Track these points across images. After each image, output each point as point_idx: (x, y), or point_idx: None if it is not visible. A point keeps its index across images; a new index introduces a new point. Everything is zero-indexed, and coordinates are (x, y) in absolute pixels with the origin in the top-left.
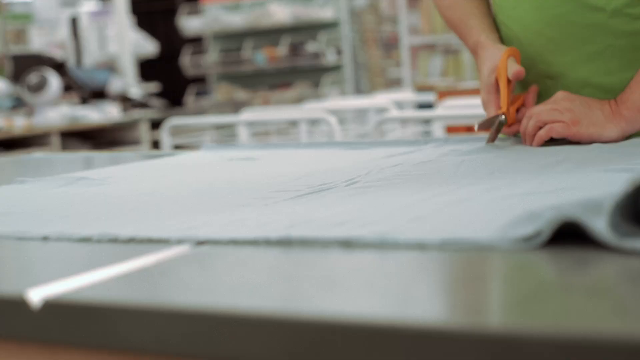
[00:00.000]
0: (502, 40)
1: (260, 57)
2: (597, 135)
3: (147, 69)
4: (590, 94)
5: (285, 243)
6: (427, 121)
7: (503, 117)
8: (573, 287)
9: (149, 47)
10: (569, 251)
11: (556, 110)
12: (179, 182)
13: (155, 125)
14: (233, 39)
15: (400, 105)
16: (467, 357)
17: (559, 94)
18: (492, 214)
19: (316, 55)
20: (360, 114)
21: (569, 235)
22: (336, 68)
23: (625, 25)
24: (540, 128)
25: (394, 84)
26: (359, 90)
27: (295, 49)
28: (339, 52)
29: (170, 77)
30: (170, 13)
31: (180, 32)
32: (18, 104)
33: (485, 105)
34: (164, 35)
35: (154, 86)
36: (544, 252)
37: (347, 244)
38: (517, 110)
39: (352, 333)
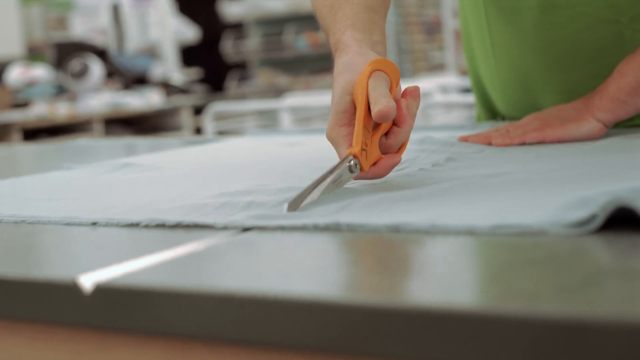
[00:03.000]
0: (482, 58)
1: (301, 42)
2: (575, 130)
3: (189, 55)
4: (553, 99)
5: (333, 228)
6: (472, 106)
7: (352, 162)
8: (632, 272)
9: (190, 33)
10: (622, 236)
11: (521, 125)
12: (226, 168)
13: (197, 111)
14: (274, 24)
15: (444, 89)
16: (523, 343)
17: (534, 114)
18: (543, 199)
19: None
20: None
21: (619, 220)
22: None
23: (593, 33)
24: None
25: (437, 68)
26: (401, 75)
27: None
28: None
29: (212, 63)
30: None
31: (221, 17)
32: (60, 91)
33: (332, 142)
34: (205, 21)
35: (195, 72)
36: (597, 237)
37: (396, 229)
38: (387, 133)
39: (404, 318)
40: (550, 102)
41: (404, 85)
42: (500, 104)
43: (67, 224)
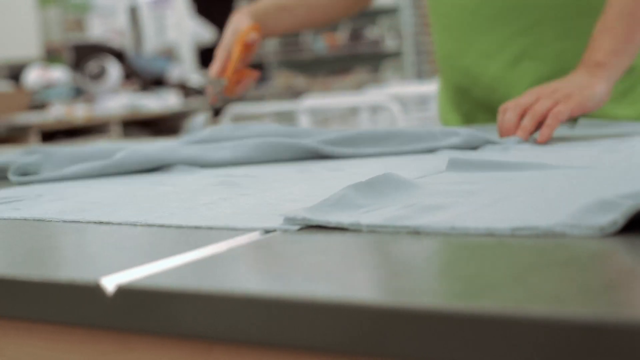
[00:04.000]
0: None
1: (319, 44)
2: (593, 96)
3: (206, 56)
4: (527, 67)
5: (355, 230)
6: None
7: (224, 80)
8: None
9: (208, 34)
10: None
11: (545, 97)
12: (250, 170)
13: (215, 112)
14: None
15: None
16: (547, 345)
17: (534, 89)
18: (563, 202)
19: (376, 42)
20: (422, 100)
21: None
22: (396, 54)
23: None
24: (540, 122)
25: None
26: (419, 76)
27: (354, 35)
28: (399, 37)
29: None
30: (228, 0)
31: None
32: (78, 93)
33: (215, 58)
34: (222, 23)
35: None
36: (619, 239)
37: (416, 232)
38: (238, 82)
39: (427, 320)
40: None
41: (422, 85)
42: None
43: (88, 224)
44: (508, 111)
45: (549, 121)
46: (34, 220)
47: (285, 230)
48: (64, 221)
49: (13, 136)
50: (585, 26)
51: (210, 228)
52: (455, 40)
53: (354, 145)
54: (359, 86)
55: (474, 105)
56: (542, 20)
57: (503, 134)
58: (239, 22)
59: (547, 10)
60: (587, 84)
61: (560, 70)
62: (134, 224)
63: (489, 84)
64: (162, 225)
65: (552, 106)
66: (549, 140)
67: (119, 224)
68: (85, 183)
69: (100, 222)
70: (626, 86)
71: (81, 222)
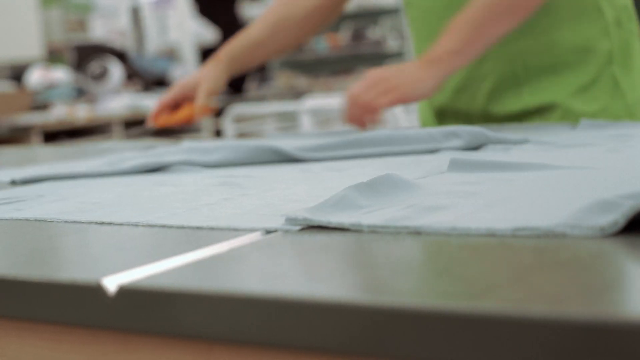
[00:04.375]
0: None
1: (321, 44)
2: (418, 88)
3: (208, 56)
4: (489, 67)
5: (356, 230)
6: None
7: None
8: None
9: (210, 35)
10: None
11: (371, 87)
12: (251, 170)
13: (217, 113)
14: None
15: None
16: (548, 345)
17: (372, 72)
18: (563, 202)
19: (378, 42)
20: None
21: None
22: (398, 55)
23: None
24: (368, 112)
25: None
26: None
27: (356, 36)
28: (401, 37)
29: None
30: (230, 1)
31: (240, 19)
32: (80, 94)
33: (163, 98)
34: (224, 23)
35: None
36: (620, 239)
37: (417, 232)
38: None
39: (426, 320)
40: None
41: None
42: None
43: (89, 224)
44: (347, 102)
45: (371, 116)
46: (35, 220)
47: (287, 231)
48: (66, 221)
49: (15, 136)
50: (543, 24)
51: (212, 228)
52: (425, 42)
53: (354, 148)
54: None
55: (444, 107)
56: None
57: (346, 122)
58: (207, 75)
59: None
60: (417, 77)
61: (523, 68)
62: (136, 225)
63: (456, 86)
64: (163, 226)
65: (376, 97)
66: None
67: (121, 224)
68: (86, 183)
69: (102, 223)
70: (586, 81)
71: (82, 222)
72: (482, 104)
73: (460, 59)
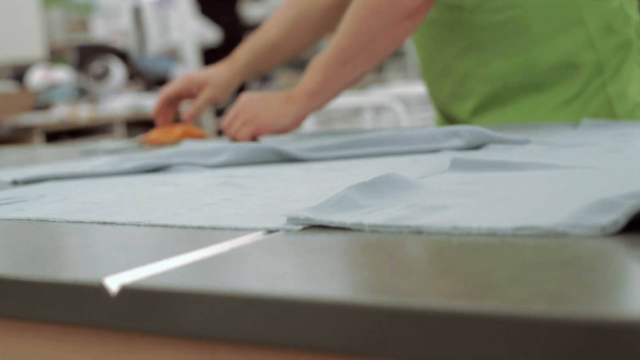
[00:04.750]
0: None
1: (323, 44)
2: (276, 123)
3: (210, 56)
4: (472, 86)
5: (358, 229)
6: None
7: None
8: None
9: (211, 34)
10: None
11: (235, 117)
12: (252, 170)
13: (219, 113)
14: None
15: None
16: (549, 344)
17: (242, 97)
18: (564, 201)
19: None
20: (425, 100)
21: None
22: (400, 54)
23: (488, 19)
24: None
25: None
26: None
27: None
28: None
29: None
30: (232, 1)
31: (242, 19)
32: (82, 94)
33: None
34: (225, 23)
35: None
36: (621, 238)
37: (418, 232)
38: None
39: (428, 320)
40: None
41: None
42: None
43: (91, 224)
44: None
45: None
46: (37, 220)
47: (288, 230)
48: (67, 221)
49: (17, 136)
50: (518, 44)
51: (214, 228)
52: (419, 56)
53: (355, 148)
54: (362, 86)
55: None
56: (478, 43)
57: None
58: (218, 78)
59: (482, 33)
60: (277, 112)
61: (503, 88)
62: (137, 225)
63: (444, 101)
64: (165, 226)
65: (238, 128)
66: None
67: (122, 224)
68: (88, 183)
69: (104, 223)
70: (570, 95)
71: (84, 222)
72: (467, 121)
73: (317, 100)
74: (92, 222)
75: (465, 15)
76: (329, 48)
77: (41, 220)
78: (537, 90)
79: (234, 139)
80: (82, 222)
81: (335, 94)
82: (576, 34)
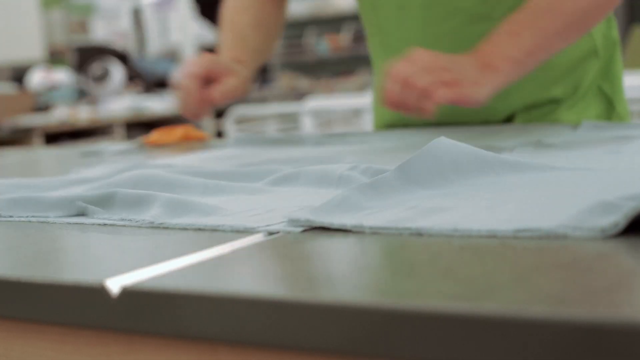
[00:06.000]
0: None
1: (322, 46)
2: (475, 95)
3: None
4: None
5: (358, 231)
6: None
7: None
8: None
9: (211, 36)
10: None
11: (426, 71)
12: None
13: (218, 114)
14: (295, 27)
15: None
16: (550, 347)
17: (421, 52)
18: (565, 203)
19: None
20: None
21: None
22: None
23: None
24: (421, 97)
25: None
26: None
27: (357, 37)
28: None
29: None
30: None
31: None
32: (82, 95)
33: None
34: None
35: None
36: (621, 240)
37: (418, 234)
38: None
39: (431, 321)
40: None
41: None
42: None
43: (92, 225)
44: (391, 81)
45: (427, 103)
46: (38, 222)
47: (289, 232)
48: (69, 223)
49: (17, 138)
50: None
51: (215, 229)
52: (392, 49)
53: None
54: (362, 87)
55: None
56: (466, 27)
57: (387, 104)
58: (241, 73)
59: (468, 17)
60: (476, 82)
61: (512, 113)
62: (139, 226)
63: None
64: (166, 227)
65: (435, 85)
66: None
67: (123, 225)
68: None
69: (104, 225)
70: (574, 100)
71: (85, 223)
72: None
73: (519, 71)
74: (93, 224)
75: (490, 27)
76: (541, 9)
77: (42, 222)
78: (551, 104)
79: (425, 93)
80: (83, 223)
81: (536, 66)
82: (583, 42)
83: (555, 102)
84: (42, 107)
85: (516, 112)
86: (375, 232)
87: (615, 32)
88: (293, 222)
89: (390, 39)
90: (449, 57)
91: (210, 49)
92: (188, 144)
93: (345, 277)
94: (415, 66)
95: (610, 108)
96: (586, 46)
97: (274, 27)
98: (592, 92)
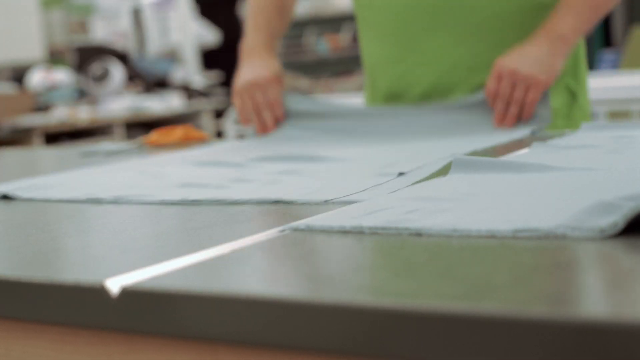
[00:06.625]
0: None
1: (322, 45)
2: (551, 76)
3: (209, 58)
4: (461, 76)
5: (357, 232)
6: None
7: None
8: None
9: (211, 36)
10: None
11: (519, 82)
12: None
13: (218, 114)
14: (295, 27)
15: None
16: (549, 346)
17: (500, 62)
18: (564, 204)
19: None
20: None
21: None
22: None
23: (494, 6)
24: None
25: None
26: None
27: (357, 37)
28: None
29: (232, 66)
30: (231, 2)
31: (241, 21)
32: (81, 95)
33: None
34: (225, 25)
35: (216, 75)
36: (620, 240)
37: (418, 234)
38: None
39: (430, 321)
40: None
41: None
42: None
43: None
44: (498, 101)
45: (527, 110)
46: (42, 224)
47: (289, 233)
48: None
49: (17, 138)
50: (516, 38)
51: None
52: (391, 47)
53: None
54: (361, 88)
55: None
56: (475, 31)
57: (499, 123)
58: (267, 68)
59: (480, 22)
60: (548, 62)
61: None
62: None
63: (422, 91)
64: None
65: (527, 93)
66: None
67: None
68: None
69: (137, 202)
70: (569, 110)
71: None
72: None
73: (578, 39)
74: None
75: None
76: None
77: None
78: None
79: (521, 105)
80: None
81: (584, 35)
82: None
83: None
84: (42, 107)
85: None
86: (374, 232)
87: None
88: (293, 225)
89: (373, 9)
90: (518, 53)
91: (210, 49)
92: (188, 144)
93: (345, 277)
94: (508, 82)
95: (572, 100)
96: None
97: (291, 12)
98: (556, 85)
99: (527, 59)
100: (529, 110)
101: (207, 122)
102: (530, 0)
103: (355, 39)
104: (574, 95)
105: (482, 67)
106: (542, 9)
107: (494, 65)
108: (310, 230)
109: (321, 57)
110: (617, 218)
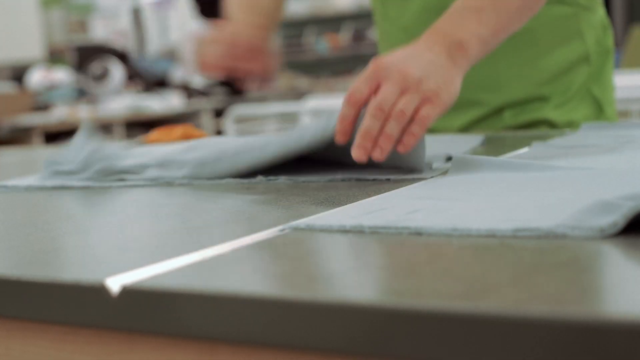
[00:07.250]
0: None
1: (321, 45)
2: (454, 93)
3: None
4: (477, 97)
5: (358, 231)
6: None
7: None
8: None
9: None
10: None
11: (411, 92)
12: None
13: (218, 114)
14: (294, 27)
15: None
16: (548, 346)
17: (379, 61)
18: (564, 203)
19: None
20: None
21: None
22: None
23: None
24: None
25: None
26: None
27: (357, 36)
28: None
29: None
30: None
31: None
32: (81, 94)
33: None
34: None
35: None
36: (620, 240)
37: (418, 233)
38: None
39: (430, 320)
40: None
41: None
42: None
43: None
44: (370, 116)
45: (416, 129)
46: (42, 223)
47: (289, 232)
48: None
49: (16, 137)
50: (532, 55)
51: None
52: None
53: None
54: None
55: None
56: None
57: (363, 140)
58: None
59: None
60: (447, 75)
61: (509, 100)
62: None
63: None
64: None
65: (419, 106)
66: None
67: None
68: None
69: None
70: (565, 99)
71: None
72: (462, 127)
73: (484, 52)
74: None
75: None
76: None
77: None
78: (538, 100)
79: (420, 122)
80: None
81: (493, 49)
82: (577, 46)
83: (543, 99)
84: (42, 107)
85: (505, 106)
86: (374, 231)
87: (611, 41)
88: (293, 225)
89: (392, 27)
90: (410, 54)
91: None
92: None
93: (345, 276)
94: (393, 89)
95: (599, 110)
96: (578, 51)
97: None
98: (582, 93)
99: (421, 62)
100: (419, 129)
101: (207, 121)
102: (545, 12)
103: (355, 39)
104: (599, 105)
105: (497, 87)
106: (557, 20)
107: (370, 63)
108: (310, 229)
109: (321, 56)
110: (617, 218)
